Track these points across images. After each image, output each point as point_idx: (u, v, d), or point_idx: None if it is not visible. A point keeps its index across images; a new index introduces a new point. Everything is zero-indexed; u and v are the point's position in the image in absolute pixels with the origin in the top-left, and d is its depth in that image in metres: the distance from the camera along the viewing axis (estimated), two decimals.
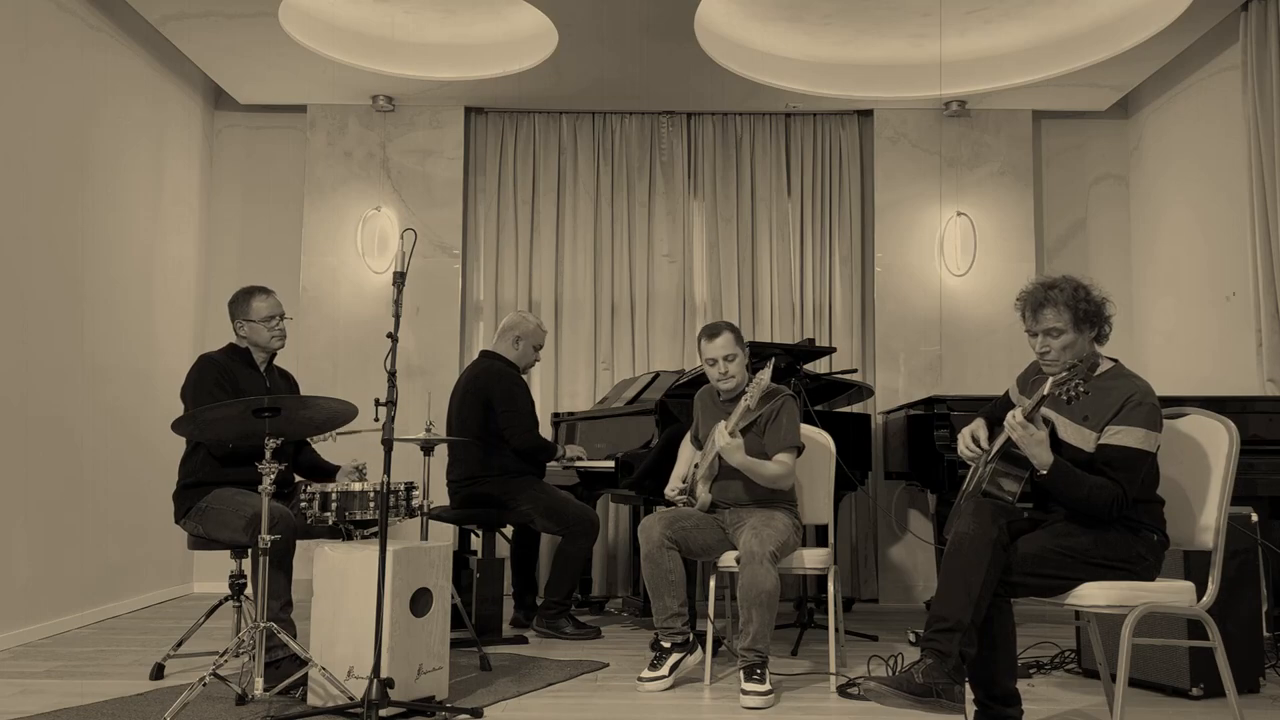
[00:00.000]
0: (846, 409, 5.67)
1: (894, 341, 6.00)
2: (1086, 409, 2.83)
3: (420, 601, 3.22)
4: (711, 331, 3.77)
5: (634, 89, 5.88)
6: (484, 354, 4.85)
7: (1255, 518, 3.74)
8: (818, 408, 5.45)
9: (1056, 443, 2.85)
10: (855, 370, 5.38)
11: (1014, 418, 2.71)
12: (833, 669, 3.70)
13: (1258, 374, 4.66)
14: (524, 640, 4.45)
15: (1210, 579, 2.87)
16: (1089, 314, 2.84)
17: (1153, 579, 2.84)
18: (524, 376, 4.80)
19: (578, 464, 4.82)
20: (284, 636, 3.18)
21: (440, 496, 5.07)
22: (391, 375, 3.11)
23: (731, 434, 3.51)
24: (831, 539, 3.99)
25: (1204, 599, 2.85)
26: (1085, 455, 2.80)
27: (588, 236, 6.17)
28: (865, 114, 6.20)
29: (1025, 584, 2.78)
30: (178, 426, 3.29)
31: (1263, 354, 4.62)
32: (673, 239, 6.18)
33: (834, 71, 5.89)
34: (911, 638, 4.51)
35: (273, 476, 3.15)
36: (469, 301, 6.22)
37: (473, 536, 4.85)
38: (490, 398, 4.60)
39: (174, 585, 5.77)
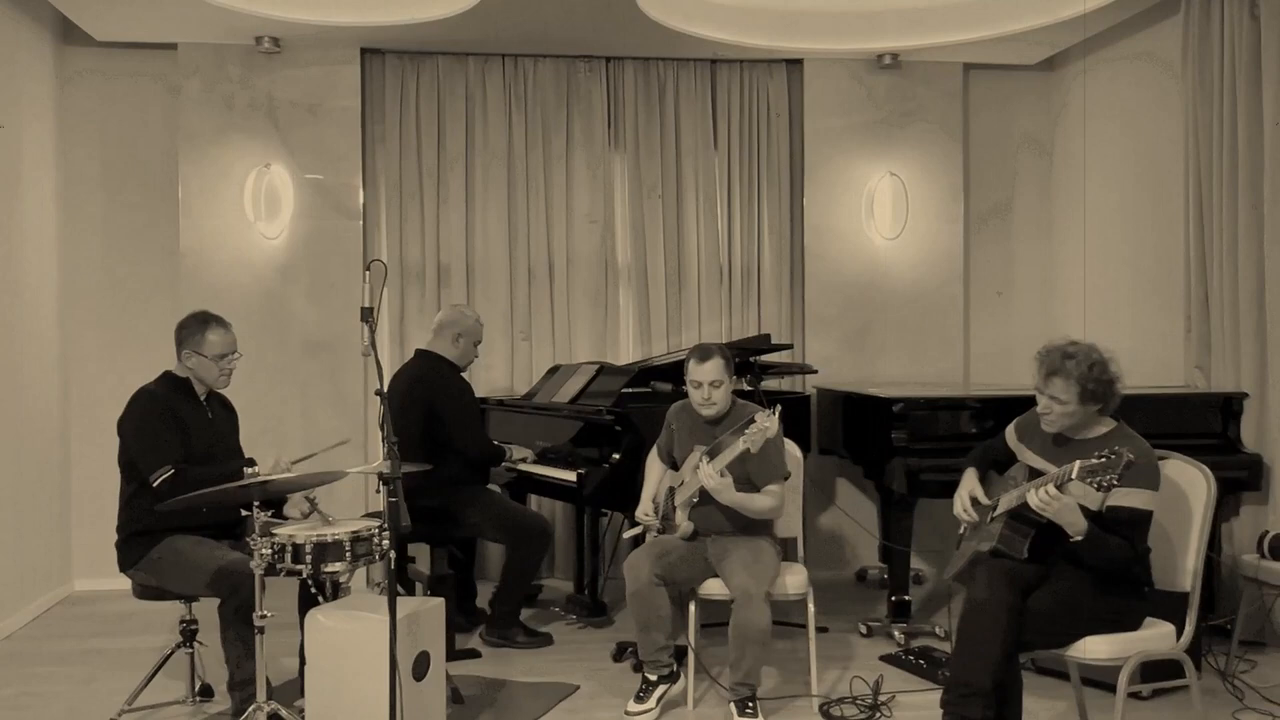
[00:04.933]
0: (778, 385, 5.99)
1: (824, 307, 6.29)
2: None
3: (420, 665, 3.37)
4: (702, 354, 3.95)
5: (551, 31, 5.81)
6: (420, 354, 4.88)
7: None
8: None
9: None
10: (791, 346, 5.67)
11: (1048, 492, 3.02)
12: (814, 690, 4.06)
13: (1184, 360, 5.17)
14: (476, 654, 4.64)
15: (1188, 620, 3.33)
16: (1095, 392, 3.18)
17: (1138, 627, 3.27)
18: (464, 373, 4.88)
19: (520, 467, 4.97)
20: (286, 713, 3.28)
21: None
22: (394, 446, 3.17)
23: (720, 474, 3.71)
24: (801, 553, 4.30)
25: (1182, 640, 3.31)
26: (1090, 513, 3.16)
27: (500, 193, 6.14)
28: (794, 63, 6.33)
29: (1035, 641, 3.17)
30: (166, 493, 3.37)
31: (1191, 340, 5.13)
32: (593, 196, 6.23)
33: (762, 19, 5.96)
34: (863, 630, 4.94)
35: (266, 553, 3.22)
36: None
37: (410, 543, 4.96)
38: (434, 405, 4.66)
39: (55, 588, 5.67)
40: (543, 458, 4.99)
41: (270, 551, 3.43)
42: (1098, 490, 2.99)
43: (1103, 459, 2.93)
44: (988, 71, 6.50)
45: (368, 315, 3.59)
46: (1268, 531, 4.28)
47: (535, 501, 5.85)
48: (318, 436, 5.68)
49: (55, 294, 5.75)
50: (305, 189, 5.95)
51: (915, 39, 5.99)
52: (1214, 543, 4.73)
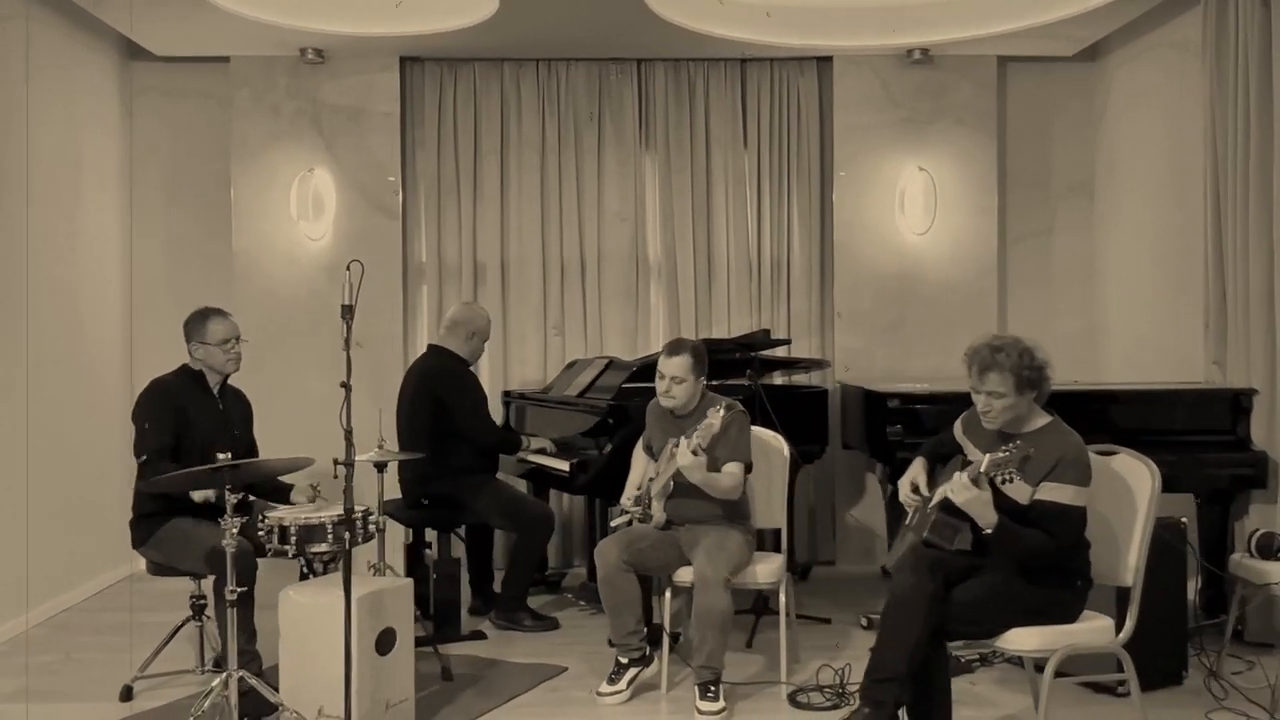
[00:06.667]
0: (804, 379, 6.12)
1: (854, 302, 6.37)
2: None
3: (385, 640, 3.63)
4: (671, 350, 4.14)
5: (580, 35, 6.04)
6: (432, 349, 5.18)
7: (1185, 521, 4.25)
8: (778, 380, 5.91)
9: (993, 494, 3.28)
10: (789, 341, 5.82)
11: (960, 480, 3.12)
12: (784, 678, 4.20)
13: (1203, 355, 5.11)
14: (482, 635, 4.91)
15: (1129, 615, 3.36)
16: (1030, 380, 3.26)
17: (1074, 620, 3.33)
18: (472, 368, 5.15)
19: (535, 459, 5.21)
20: (255, 681, 3.59)
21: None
22: (348, 434, 3.45)
23: (694, 453, 3.87)
24: (784, 545, 4.43)
25: (1121, 635, 3.35)
26: (1020, 507, 3.23)
27: (534, 193, 6.41)
28: (824, 60, 6.42)
29: (960, 631, 3.26)
30: (144, 474, 3.70)
31: (1209, 336, 5.07)
32: (624, 195, 6.44)
33: (791, 17, 6.07)
34: (864, 622, 5.04)
35: (235, 530, 3.53)
36: (411, 264, 6.47)
37: (427, 528, 5.25)
38: (443, 397, 4.94)
39: (121, 566, 6.14)
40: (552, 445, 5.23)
41: (261, 533, 3.79)
42: (1003, 483, 3.07)
43: (1005, 452, 3.01)
44: (1025, 64, 6.48)
45: (346, 312, 3.89)
46: (1258, 529, 4.23)
47: (564, 497, 6.11)
48: (356, 427, 6.03)
49: (121, 290, 6.26)
50: (347, 192, 6.31)
51: (944, 33, 6.01)
52: (1225, 542, 4.70)
